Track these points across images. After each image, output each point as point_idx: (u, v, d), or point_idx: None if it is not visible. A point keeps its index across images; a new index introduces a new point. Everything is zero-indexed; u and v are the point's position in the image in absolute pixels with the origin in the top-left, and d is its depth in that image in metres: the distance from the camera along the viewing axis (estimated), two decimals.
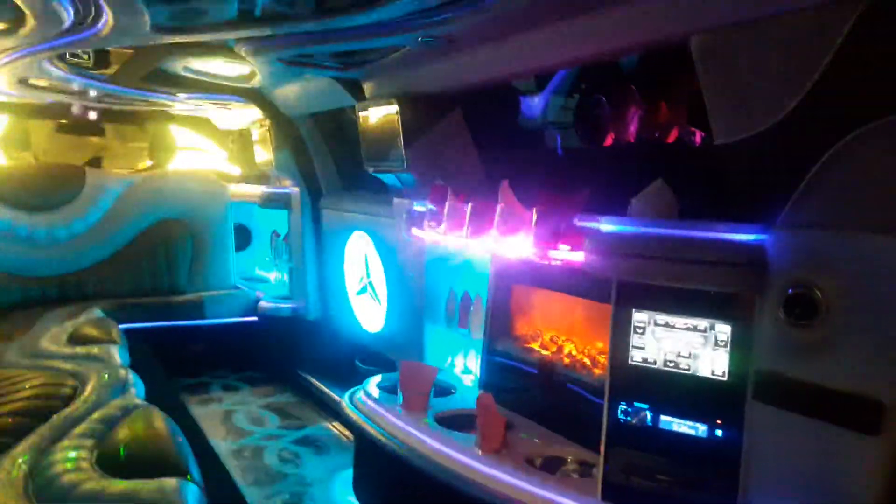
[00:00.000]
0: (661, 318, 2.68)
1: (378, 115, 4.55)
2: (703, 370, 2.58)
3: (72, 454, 3.02)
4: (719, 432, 2.51)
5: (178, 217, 7.17)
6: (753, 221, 2.39)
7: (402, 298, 4.98)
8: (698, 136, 3.89)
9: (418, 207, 4.24)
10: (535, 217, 3.22)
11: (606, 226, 2.80)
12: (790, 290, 2.25)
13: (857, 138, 2.05)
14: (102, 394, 3.74)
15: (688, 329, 2.62)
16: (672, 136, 4.00)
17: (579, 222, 3.03)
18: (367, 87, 4.73)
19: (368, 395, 4.04)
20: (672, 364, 2.65)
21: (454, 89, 4.25)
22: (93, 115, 6.78)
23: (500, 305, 4.06)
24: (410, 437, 3.49)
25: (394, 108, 4.33)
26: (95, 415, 3.44)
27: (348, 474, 4.33)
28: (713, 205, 2.63)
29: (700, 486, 2.52)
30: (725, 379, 2.52)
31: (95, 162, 7.27)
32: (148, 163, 7.61)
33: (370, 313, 5.61)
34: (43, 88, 5.65)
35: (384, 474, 3.84)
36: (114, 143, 7.45)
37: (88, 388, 3.78)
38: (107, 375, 4.02)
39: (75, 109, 6.49)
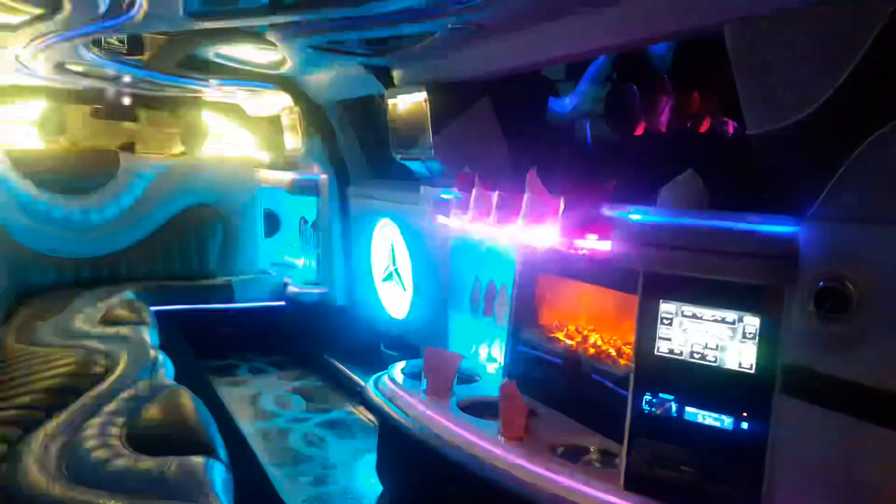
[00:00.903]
0: (689, 309, 2.65)
1: (407, 102, 4.55)
2: (731, 362, 2.55)
3: (102, 431, 3.10)
4: (745, 425, 2.49)
5: (209, 202, 7.28)
6: (785, 213, 2.36)
7: (428, 286, 4.99)
8: (731, 127, 3.84)
9: (445, 195, 4.24)
10: (562, 206, 3.20)
11: (635, 215, 2.77)
12: (821, 284, 2.21)
13: (893, 130, 2.01)
14: (133, 373, 3.82)
15: (715, 321, 2.59)
16: (704, 126, 3.95)
17: (607, 212, 3.00)
18: (397, 75, 4.73)
19: (393, 380, 4.06)
20: (699, 356, 2.62)
21: (483, 77, 4.23)
22: (126, 101, 6.89)
23: (525, 294, 4.05)
24: (433, 422, 3.51)
25: (422, 96, 4.33)
26: (126, 394, 3.52)
27: (372, 458, 4.37)
28: (744, 196, 2.59)
29: (724, 478, 2.50)
30: (753, 372, 2.49)
31: (129, 147, 7.39)
32: (180, 148, 7.70)
33: (396, 300, 5.64)
34: (78, 73, 5.74)
35: (407, 458, 3.86)
36: (146, 128, 7.55)
37: (119, 368, 3.87)
38: (137, 356, 4.11)
39: (109, 95, 6.60)
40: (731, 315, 2.55)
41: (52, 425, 3.17)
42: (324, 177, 6.62)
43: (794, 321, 2.34)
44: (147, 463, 2.79)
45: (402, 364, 4.33)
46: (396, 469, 4.10)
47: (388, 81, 4.82)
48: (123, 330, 4.78)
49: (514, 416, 3.25)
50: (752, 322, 2.50)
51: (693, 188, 2.71)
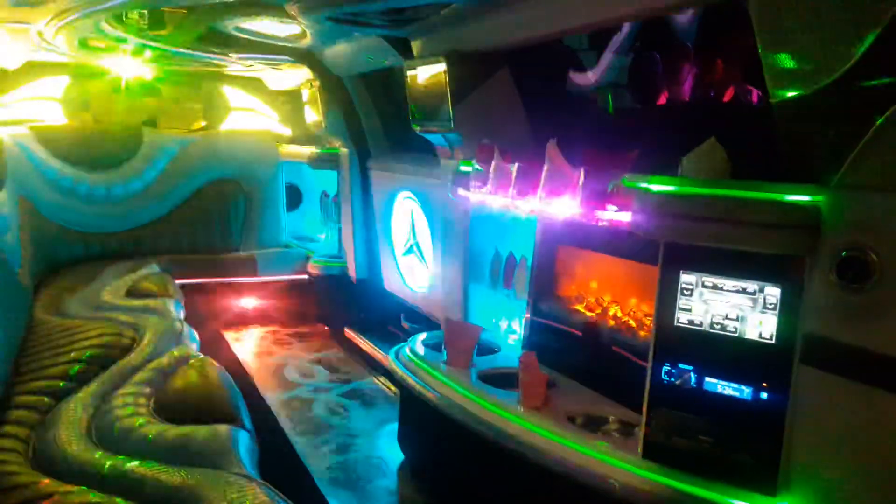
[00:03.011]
0: (710, 279, 2.64)
1: (426, 73, 4.53)
2: (751, 333, 2.54)
3: (131, 400, 3.18)
4: (765, 395, 2.48)
5: (232, 177, 7.35)
6: (808, 182, 2.32)
7: (448, 259, 5.01)
8: (755, 95, 3.78)
9: (464, 167, 4.23)
10: (582, 177, 3.19)
11: (656, 185, 2.75)
12: (843, 253, 2.19)
13: None
14: (159, 344, 3.90)
15: (736, 291, 2.58)
16: (728, 95, 3.90)
17: (628, 182, 2.98)
18: (416, 46, 4.70)
19: (414, 351, 4.10)
20: (719, 326, 2.61)
21: (503, 47, 4.19)
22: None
23: (545, 266, 4.05)
24: (454, 392, 3.55)
25: (442, 67, 4.30)
26: (153, 364, 3.60)
27: (393, 427, 4.44)
28: (767, 165, 2.56)
29: (743, 448, 2.50)
30: (773, 342, 2.48)
31: (151, 122, 7.45)
32: (202, 123, 7.75)
33: (416, 273, 5.67)
34: (101, 50, 5.78)
35: (427, 428, 3.92)
36: (169, 103, 7.60)
37: (146, 339, 3.95)
38: (164, 327, 4.19)
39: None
40: (751, 285, 2.54)
41: (82, 395, 3.25)
42: (344, 150, 6.63)
43: (815, 291, 2.31)
44: (174, 431, 2.86)
45: (422, 336, 4.37)
46: (417, 438, 4.16)
47: (407, 53, 4.79)
48: (150, 302, 4.87)
49: (533, 386, 3.28)
50: (773, 292, 2.49)
51: (715, 157, 2.68)
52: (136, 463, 2.60)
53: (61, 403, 3.17)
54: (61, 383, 3.37)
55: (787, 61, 2.29)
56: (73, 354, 3.67)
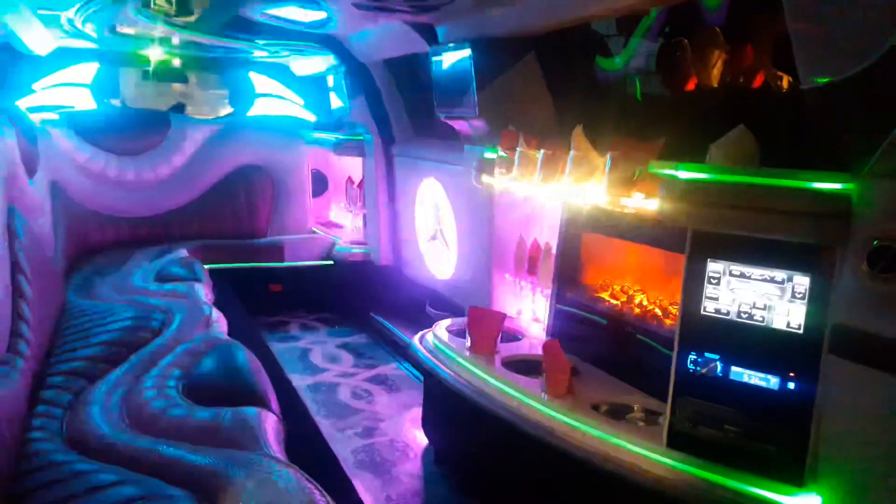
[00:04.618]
0: (737, 268, 2.61)
1: (451, 59, 4.51)
2: (779, 322, 2.51)
3: (160, 382, 3.23)
4: (792, 385, 2.46)
5: (258, 163, 7.39)
6: (839, 170, 2.29)
7: (472, 246, 5.01)
8: (785, 81, 3.71)
9: (489, 154, 4.22)
10: (608, 163, 3.17)
11: (683, 172, 2.72)
12: (875, 242, 2.15)
13: None
14: (188, 328, 3.95)
15: (764, 280, 2.55)
16: (757, 81, 3.83)
17: (655, 169, 2.95)
18: (441, 32, 4.68)
19: (438, 337, 4.12)
20: (746, 315, 2.59)
21: (529, 32, 4.16)
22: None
23: (569, 254, 4.04)
24: (477, 378, 3.56)
25: (467, 53, 4.28)
26: (182, 347, 3.65)
27: (417, 412, 4.47)
28: (797, 152, 2.52)
29: (769, 437, 2.48)
30: (801, 332, 2.45)
31: (179, 108, 7.52)
32: (228, 109, 7.81)
33: (440, 260, 5.68)
34: (130, 36, 5.84)
35: (451, 413, 3.94)
36: (196, 89, 7.66)
37: (176, 323, 4.01)
38: (192, 311, 4.25)
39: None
40: (780, 274, 2.51)
41: (113, 377, 3.32)
42: (369, 137, 6.64)
43: (845, 281, 2.28)
44: (203, 413, 2.91)
45: (446, 322, 4.38)
46: (441, 423, 4.18)
47: (431, 39, 4.78)
48: (178, 287, 4.94)
49: (557, 373, 3.28)
50: (802, 281, 2.46)
51: (744, 144, 2.64)
52: (165, 444, 2.65)
53: (94, 385, 3.24)
54: (93, 365, 3.44)
55: (818, 47, 2.25)
56: (104, 337, 3.74)
